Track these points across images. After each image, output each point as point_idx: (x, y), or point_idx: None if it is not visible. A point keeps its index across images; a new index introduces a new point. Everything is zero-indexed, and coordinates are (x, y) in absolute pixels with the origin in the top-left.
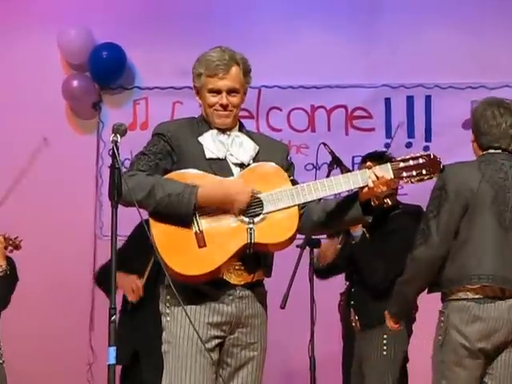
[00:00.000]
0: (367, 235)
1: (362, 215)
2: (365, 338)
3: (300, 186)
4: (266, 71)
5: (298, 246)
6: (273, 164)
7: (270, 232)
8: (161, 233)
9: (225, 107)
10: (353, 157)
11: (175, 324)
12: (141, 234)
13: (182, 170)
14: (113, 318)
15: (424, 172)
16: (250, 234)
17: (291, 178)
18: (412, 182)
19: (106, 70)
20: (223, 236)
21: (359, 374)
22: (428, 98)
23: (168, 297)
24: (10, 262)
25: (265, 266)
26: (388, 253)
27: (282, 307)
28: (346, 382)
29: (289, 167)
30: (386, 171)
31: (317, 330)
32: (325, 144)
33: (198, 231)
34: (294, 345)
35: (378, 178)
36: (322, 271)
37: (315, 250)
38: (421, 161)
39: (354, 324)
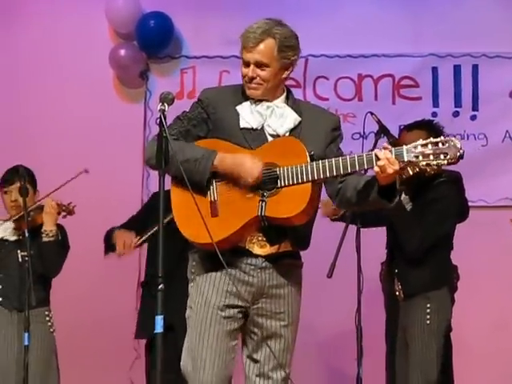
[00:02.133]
0: (406, 202)
1: (380, 198)
2: (408, 308)
3: (315, 163)
4: (314, 40)
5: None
6: (294, 139)
7: (280, 206)
8: (179, 200)
9: (251, 79)
10: (399, 126)
11: (196, 290)
12: (153, 203)
13: (212, 139)
14: (160, 287)
15: (442, 157)
16: (261, 207)
17: (336, 149)
18: (428, 169)
19: (154, 39)
20: (236, 207)
21: (403, 343)
22: (475, 67)
23: (194, 263)
24: (61, 229)
25: (294, 238)
26: (426, 221)
27: (329, 276)
28: (391, 352)
29: (334, 139)
30: (398, 154)
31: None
32: (372, 113)
33: (213, 200)
34: (339, 315)
35: (379, 158)
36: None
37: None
38: (440, 146)
39: (397, 293)
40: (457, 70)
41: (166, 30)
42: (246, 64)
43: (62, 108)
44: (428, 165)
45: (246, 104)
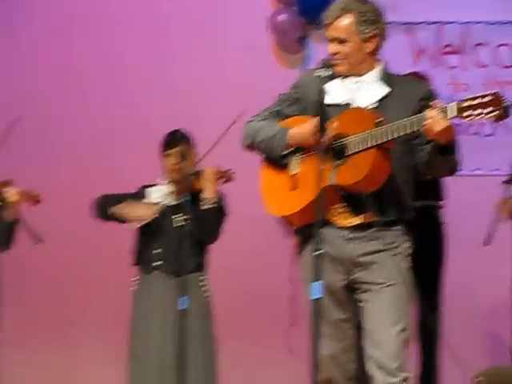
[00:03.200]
0: None
1: (429, 158)
2: None
3: (378, 128)
4: (473, 6)
5: (503, 182)
6: (364, 108)
7: (347, 174)
8: (265, 180)
9: (333, 56)
10: None
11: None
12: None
13: (296, 117)
14: (318, 253)
15: (489, 110)
16: (332, 176)
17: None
18: (478, 120)
19: (314, 5)
20: (312, 179)
21: None
22: None
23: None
24: (220, 196)
25: (376, 207)
26: None
27: (486, 244)
28: None
29: (422, 109)
30: (444, 111)
31: None
32: None
33: (292, 174)
34: (488, 285)
35: (430, 117)
36: None
37: None
38: (486, 99)
39: None
40: None
41: None
42: (329, 40)
43: (221, 71)
44: (477, 117)
45: (335, 81)
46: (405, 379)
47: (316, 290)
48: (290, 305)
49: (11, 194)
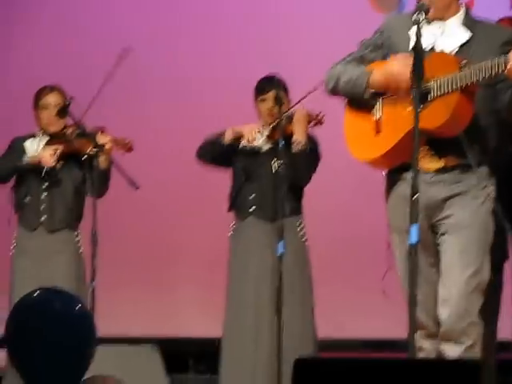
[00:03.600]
0: None
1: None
2: None
3: (461, 71)
4: None
5: None
6: (447, 52)
7: (430, 117)
8: (349, 124)
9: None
10: None
11: (388, 210)
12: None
13: (379, 62)
14: (415, 197)
15: None
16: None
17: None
18: None
19: None
20: (397, 122)
21: None
22: None
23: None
24: (312, 139)
25: (460, 150)
26: None
27: None
28: None
29: (505, 53)
30: None
31: None
32: None
33: (377, 117)
34: None
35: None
36: None
37: None
38: None
39: None
40: None
41: None
42: None
43: (316, 16)
44: None
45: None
46: (471, 324)
47: (413, 234)
48: (386, 249)
49: (104, 141)
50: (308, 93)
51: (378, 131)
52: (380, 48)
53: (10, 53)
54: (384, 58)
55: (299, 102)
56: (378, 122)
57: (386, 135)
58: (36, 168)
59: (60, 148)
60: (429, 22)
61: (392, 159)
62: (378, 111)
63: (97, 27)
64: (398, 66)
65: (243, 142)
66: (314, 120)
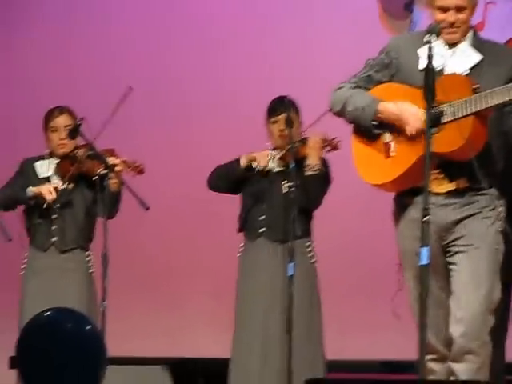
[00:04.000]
0: None
1: None
2: None
3: (476, 95)
4: None
5: None
6: (459, 75)
7: (443, 141)
8: (356, 145)
9: (451, 24)
10: None
11: (397, 234)
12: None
13: (387, 84)
14: (426, 219)
15: None
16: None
17: None
18: None
19: None
20: (407, 146)
21: None
22: None
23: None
24: (324, 163)
25: (471, 174)
26: None
27: None
28: None
29: None
30: None
31: None
32: None
33: (386, 140)
34: None
35: None
36: None
37: None
38: None
39: None
40: None
41: None
42: (445, 9)
43: (327, 39)
44: None
45: (427, 46)
46: (482, 344)
47: (424, 256)
48: (397, 271)
49: (115, 162)
50: (320, 116)
51: (388, 155)
52: (387, 68)
53: (10, 53)
54: (391, 77)
55: (311, 126)
56: (387, 145)
57: (398, 159)
58: (38, 201)
59: (60, 185)
60: (445, 44)
61: (403, 183)
62: (387, 136)
63: (96, 34)
64: (410, 114)
65: (256, 167)
66: (329, 145)
